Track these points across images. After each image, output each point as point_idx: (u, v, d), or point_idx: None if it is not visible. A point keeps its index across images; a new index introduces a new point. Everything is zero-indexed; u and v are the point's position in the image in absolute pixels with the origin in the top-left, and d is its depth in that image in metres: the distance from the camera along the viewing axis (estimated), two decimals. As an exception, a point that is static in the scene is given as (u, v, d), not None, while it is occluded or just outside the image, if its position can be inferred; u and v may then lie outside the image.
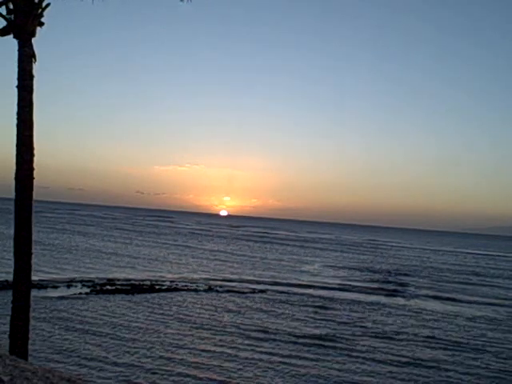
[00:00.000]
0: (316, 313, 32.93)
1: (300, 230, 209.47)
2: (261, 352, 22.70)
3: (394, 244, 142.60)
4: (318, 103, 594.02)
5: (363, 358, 23.06)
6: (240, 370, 20.02)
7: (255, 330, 26.75)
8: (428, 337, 28.14)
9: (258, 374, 19.77)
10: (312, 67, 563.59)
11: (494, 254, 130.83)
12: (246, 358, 21.55)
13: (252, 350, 23.04)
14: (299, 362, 21.59)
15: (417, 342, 26.90)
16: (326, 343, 25.13)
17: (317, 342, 25.33)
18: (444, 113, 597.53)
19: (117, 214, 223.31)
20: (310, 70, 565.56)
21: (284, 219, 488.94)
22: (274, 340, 25.03)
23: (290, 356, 22.46)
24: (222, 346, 23.35)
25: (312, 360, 22.06)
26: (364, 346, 25.20)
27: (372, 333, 28.09)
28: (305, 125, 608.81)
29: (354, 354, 23.58)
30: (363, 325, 30.13)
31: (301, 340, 25.41)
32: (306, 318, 30.91)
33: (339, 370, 20.86)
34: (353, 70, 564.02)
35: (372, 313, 34.54)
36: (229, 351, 22.47)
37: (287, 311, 32.65)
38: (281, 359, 21.84)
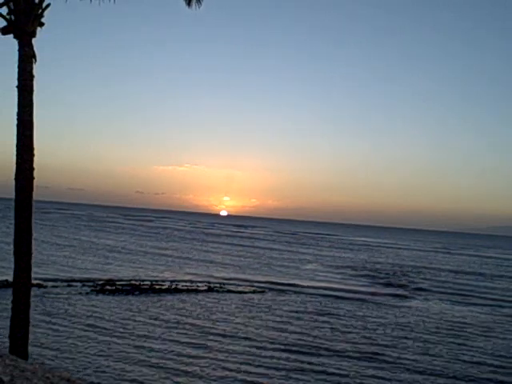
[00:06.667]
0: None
1: (283, 228, 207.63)
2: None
3: (375, 244, 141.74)
4: (317, 103, 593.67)
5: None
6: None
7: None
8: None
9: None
10: (311, 68, 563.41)
11: (487, 255, 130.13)
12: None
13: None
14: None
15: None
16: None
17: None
18: (444, 112, 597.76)
19: (99, 213, 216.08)
20: (308, 71, 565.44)
21: (283, 219, 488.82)
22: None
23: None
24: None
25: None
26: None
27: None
28: (304, 125, 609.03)
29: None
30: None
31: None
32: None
33: None
34: (352, 70, 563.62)
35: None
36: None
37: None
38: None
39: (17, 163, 9.14)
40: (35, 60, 9.34)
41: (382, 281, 53.09)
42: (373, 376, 20.43)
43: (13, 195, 9.19)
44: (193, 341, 23.74)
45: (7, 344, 9.08)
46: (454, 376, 21.38)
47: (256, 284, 43.30)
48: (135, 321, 26.87)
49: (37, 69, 9.44)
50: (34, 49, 9.37)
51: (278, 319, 29.86)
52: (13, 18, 9.23)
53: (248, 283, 43.56)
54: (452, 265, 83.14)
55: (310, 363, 21.41)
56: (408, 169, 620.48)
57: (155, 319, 27.57)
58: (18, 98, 9.19)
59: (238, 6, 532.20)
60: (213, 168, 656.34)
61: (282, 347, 23.60)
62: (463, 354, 24.87)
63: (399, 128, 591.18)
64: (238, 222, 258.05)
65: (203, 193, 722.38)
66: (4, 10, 9.30)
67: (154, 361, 20.29)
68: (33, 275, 9.50)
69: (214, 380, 18.69)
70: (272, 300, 36.39)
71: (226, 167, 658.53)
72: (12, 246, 9.29)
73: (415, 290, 47.87)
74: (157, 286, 37.91)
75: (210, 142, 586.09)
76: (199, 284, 40.79)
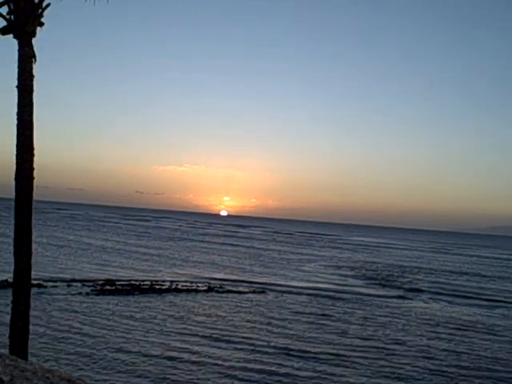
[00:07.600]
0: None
1: (283, 229, 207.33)
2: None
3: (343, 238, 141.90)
4: (317, 103, 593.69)
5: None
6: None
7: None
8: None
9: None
10: (310, 68, 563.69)
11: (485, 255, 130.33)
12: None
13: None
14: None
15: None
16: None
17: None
18: (444, 112, 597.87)
19: (99, 213, 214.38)
20: (308, 71, 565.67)
21: (283, 219, 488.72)
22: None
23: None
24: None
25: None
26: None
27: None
28: (304, 125, 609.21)
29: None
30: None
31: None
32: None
33: None
34: (352, 70, 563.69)
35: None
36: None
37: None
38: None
39: (17, 163, 9.11)
40: (35, 60, 9.32)
41: (380, 281, 53.08)
42: (373, 378, 20.45)
43: (13, 195, 9.18)
44: (191, 342, 23.74)
45: (7, 344, 9.06)
46: (453, 376, 21.41)
47: (255, 284, 43.29)
48: (135, 321, 26.86)
49: (37, 69, 9.41)
50: (34, 49, 9.36)
51: (277, 321, 29.81)
52: (13, 17, 9.21)
53: (247, 283, 43.56)
54: (451, 265, 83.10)
55: (308, 368, 21.39)
56: (408, 169, 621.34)
57: (156, 320, 27.56)
58: (18, 98, 9.16)
59: (237, 6, 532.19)
60: (213, 168, 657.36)
61: (281, 350, 23.42)
62: (462, 355, 24.90)
63: (399, 128, 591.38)
64: (238, 222, 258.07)
65: (203, 193, 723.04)
66: (4, 10, 9.29)
67: (152, 362, 20.29)
68: (33, 275, 9.49)
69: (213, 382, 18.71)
70: (271, 300, 36.39)
71: (226, 167, 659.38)
72: (11, 246, 9.29)
73: (413, 290, 47.86)
74: (157, 286, 37.91)
75: (209, 142, 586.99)
76: (199, 284, 40.81)
